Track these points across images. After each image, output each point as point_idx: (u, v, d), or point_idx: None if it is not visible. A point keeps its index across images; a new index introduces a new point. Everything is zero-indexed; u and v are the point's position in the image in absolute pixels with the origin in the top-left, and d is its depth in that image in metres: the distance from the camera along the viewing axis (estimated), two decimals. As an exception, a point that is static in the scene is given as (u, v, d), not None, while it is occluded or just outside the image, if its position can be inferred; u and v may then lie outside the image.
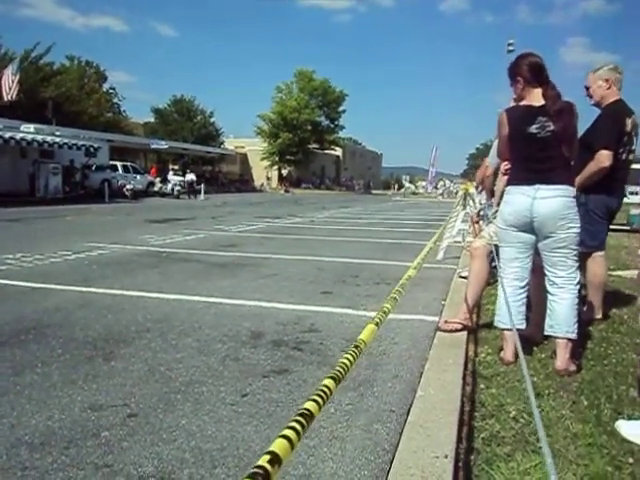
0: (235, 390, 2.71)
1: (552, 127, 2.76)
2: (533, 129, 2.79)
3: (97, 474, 1.92)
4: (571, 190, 2.81)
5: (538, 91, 2.84)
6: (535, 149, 2.82)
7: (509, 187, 2.97)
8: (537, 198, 2.79)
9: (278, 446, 0.77)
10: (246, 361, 3.14)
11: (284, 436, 0.80)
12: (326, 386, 0.99)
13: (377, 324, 1.38)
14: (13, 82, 21.61)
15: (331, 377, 1.02)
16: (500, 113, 2.98)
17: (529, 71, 2.86)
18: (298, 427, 0.83)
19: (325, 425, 2.32)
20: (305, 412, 0.88)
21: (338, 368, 1.07)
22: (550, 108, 2.76)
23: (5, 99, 21.57)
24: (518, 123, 2.87)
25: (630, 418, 2.28)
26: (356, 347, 1.19)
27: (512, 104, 3.12)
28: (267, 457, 0.74)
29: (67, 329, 3.71)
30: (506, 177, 3.71)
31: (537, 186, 2.80)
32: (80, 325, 3.81)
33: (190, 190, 27.86)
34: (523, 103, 2.91)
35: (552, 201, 2.77)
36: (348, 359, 1.12)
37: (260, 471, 0.71)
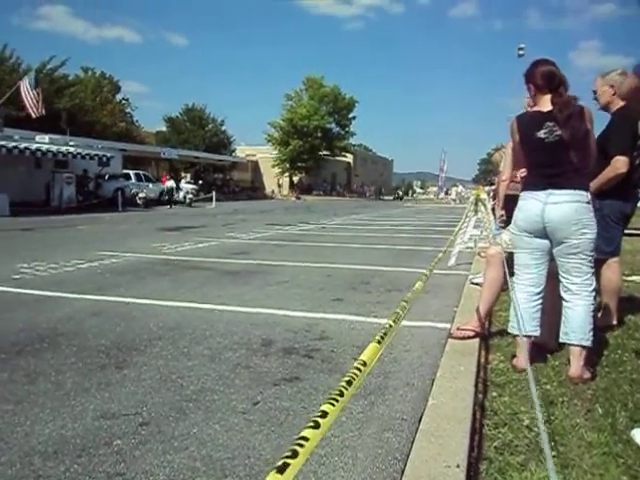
0: (246, 398, 2.71)
1: (559, 132, 2.75)
2: (541, 134, 2.80)
3: (109, 483, 1.93)
4: (585, 195, 2.78)
5: (548, 97, 2.84)
6: (545, 154, 2.82)
7: (523, 192, 2.96)
8: (549, 203, 2.77)
9: (273, 478, 0.74)
10: (257, 369, 3.15)
11: (279, 469, 0.77)
12: (324, 412, 0.94)
13: (379, 342, 1.34)
14: (37, 98, 21.74)
15: (329, 402, 0.98)
16: (511, 120, 2.99)
17: (540, 79, 2.87)
18: (292, 455, 0.79)
19: (336, 434, 2.31)
20: (302, 442, 0.84)
21: (337, 392, 1.02)
22: (557, 115, 2.76)
23: (34, 116, 21.76)
24: (527, 129, 2.88)
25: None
26: (357, 369, 1.14)
27: (527, 107, 3.14)
28: None
29: (80, 337, 3.74)
30: (505, 183, 3.70)
31: (549, 191, 2.78)
32: (93, 333, 3.84)
33: (169, 198, 26.96)
34: (533, 109, 2.92)
35: (564, 206, 2.74)
36: (348, 382, 1.08)
37: None
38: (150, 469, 2.03)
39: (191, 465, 2.06)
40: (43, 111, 21.79)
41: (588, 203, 2.79)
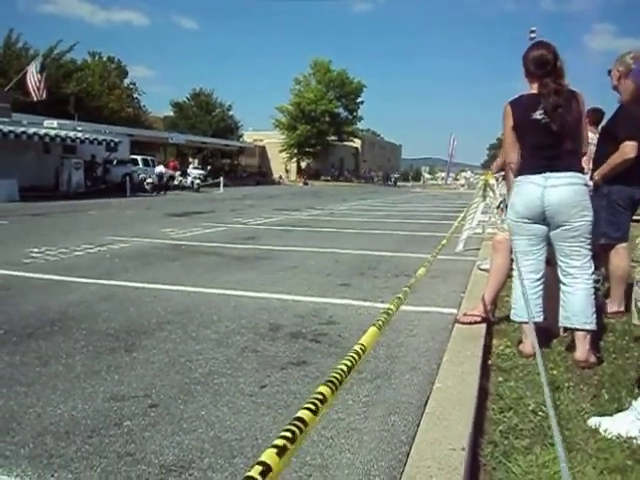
0: (254, 381, 2.74)
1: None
2: (537, 115, 2.77)
3: (119, 462, 1.97)
4: (581, 177, 2.77)
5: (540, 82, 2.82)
6: (541, 136, 2.80)
7: (519, 177, 2.91)
8: (548, 187, 2.75)
9: (268, 456, 0.75)
10: (265, 353, 3.18)
11: (276, 446, 0.77)
12: (321, 393, 0.94)
13: (379, 327, 1.33)
14: (40, 81, 21.75)
15: (327, 384, 0.98)
16: (504, 105, 2.95)
17: (530, 63, 2.85)
18: (290, 436, 0.80)
19: (342, 416, 2.33)
20: (298, 421, 0.85)
21: (335, 374, 1.02)
22: (544, 105, 2.74)
23: (35, 99, 21.80)
24: (523, 111, 2.84)
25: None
26: (355, 353, 1.14)
27: None
28: (258, 468, 0.72)
29: (90, 321, 3.79)
30: (515, 167, 3.65)
31: (547, 174, 2.76)
32: (103, 317, 3.89)
33: (161, 185, 24.70)
34: (527, 92, 2.89)
35: (563, 189, 2.72)
36: (346, 365, 1.07)
37: None
38: (159, 450, 2.07)
39: (199, 446, 2.10)
40: (44, 95, 21.78)
41: (586, 185, 2.78)
